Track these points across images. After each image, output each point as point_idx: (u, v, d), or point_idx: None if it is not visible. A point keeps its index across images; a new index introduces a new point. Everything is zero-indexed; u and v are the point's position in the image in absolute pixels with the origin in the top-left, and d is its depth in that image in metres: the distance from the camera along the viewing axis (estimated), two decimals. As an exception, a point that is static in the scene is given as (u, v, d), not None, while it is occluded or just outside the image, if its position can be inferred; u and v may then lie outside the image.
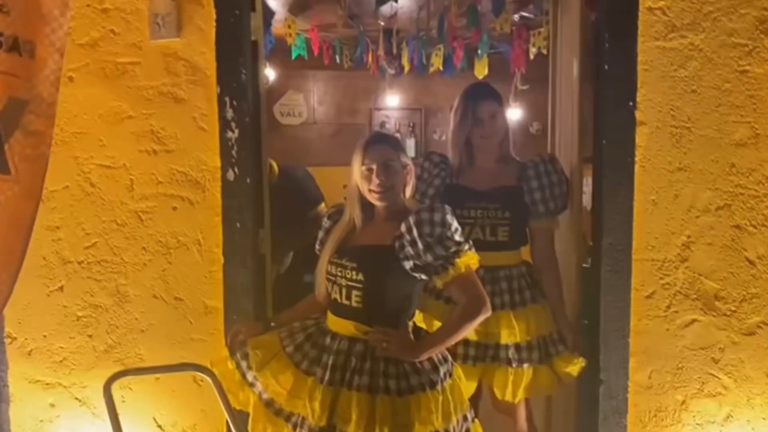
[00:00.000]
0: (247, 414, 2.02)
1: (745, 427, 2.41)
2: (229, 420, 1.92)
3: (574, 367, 2.29)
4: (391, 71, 4.51)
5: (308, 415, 1.92)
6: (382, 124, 5.59)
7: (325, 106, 5.69)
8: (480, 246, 2.13)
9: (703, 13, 2.27)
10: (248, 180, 2.38)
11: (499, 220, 2.31)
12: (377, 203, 2.00)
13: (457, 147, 2.38)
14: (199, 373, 2.18)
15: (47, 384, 2.47)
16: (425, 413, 1.86)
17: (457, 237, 1.91)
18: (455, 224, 1.92)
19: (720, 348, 2.40)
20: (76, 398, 2.47)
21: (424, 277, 1.96)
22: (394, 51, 4.25)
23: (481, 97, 2.33)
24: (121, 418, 2.44)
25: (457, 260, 1.90)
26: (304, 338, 2.04)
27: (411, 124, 5.50)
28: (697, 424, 2.42)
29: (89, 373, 2.45)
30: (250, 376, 2.02)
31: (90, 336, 2.45)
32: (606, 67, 2.29)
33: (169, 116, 2.37)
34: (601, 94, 2.33)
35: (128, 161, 2.39)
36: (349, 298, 1.95)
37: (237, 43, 2.33)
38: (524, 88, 4.47)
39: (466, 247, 1.93)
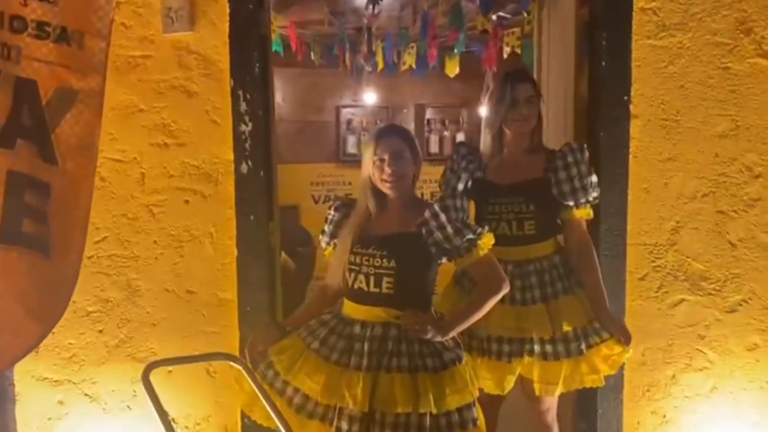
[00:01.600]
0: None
1: (728, 398, 2.60)
2: (269, 408, 1.95)
3: (620, 354, 2.25)
4: (369, 68, 4.59)
5: (348, 404, 1.95)
6: (349, 122, 5.65)
7: (290, 104, 5.70)
8: (508, 241, 2.22)
9: (689, 13, 2.45)
10: (261, 173, 2.41)
11: (525, 214, 2.29)
12: (389, 192, 2.08)
13: (490, 131, 2.37)
14: (227, 362, 2.22)
15: (55, 381, 2.45)
16: (461, 384, 1.98)
17: (469, 220, 2.04)
18: (468, 209, 2.05)
19: (706, 325, 2.58)
20: (86, 394, 2.45)
21: (442, 260, 2.06)
22: (373, 48, 4.33)
23: (519, 80, 2.32)
24: (132, 413, 2.47)
25: (480, 242, 2.02)
26: (327, 332, 2.08)
27: (378, 122, 5.59)
28: (686, 396, 2.59)
29: (100, 368, 2.44)
30: (279, 383, 2.04)
31: (100, 331, 2.43)
32: (603, 63, 2.43)
33: (181, 110, 2.38)
34: (598, 89, 2.48)
35: (139, 155, 2.39)
36: (378, 285, 2.02)
37: (250, 37, 2.37)
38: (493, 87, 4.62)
39: (487, 229, 2.05)
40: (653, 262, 2.54)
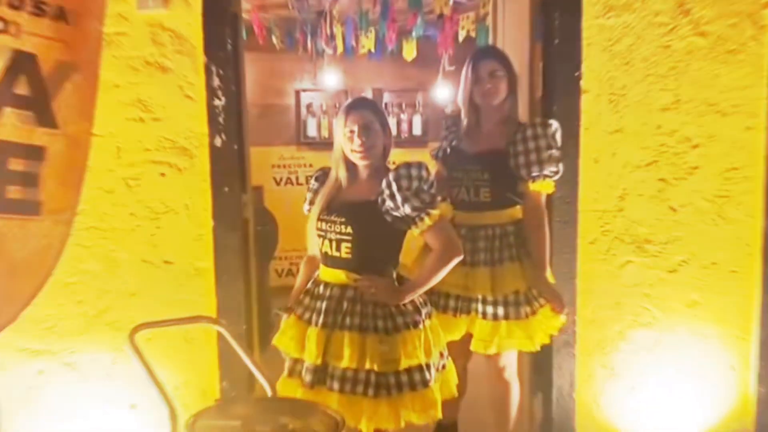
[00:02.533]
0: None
1: (670, 351, 2.81)
2: (251, 366, 2.08)
3: (554, 321, 2.45)
4: (330, 51, 4.69)
5: (308, 358, 2.14)
6: (309, 106, 5.74)
7: (251, 87, 5.74)
8: (465, 206, 2.39)
9: (634, -5, 2.65)
10: (235, 146, 2.51)
11: (481, 182, 2.45)
12: (359, 162, 2.21)
13: (463, 105, 2.54)
14: (204, 327, 2.33)
15: (35, 351, 2.51)
16: (410, 348, 2.12)
17: (432, 190, 2.14)
18: (431, 178, 2.14)
19: (650, 284, 2.79)
20: (66, 363, 2.52)
21: (404, 228, 2.19)
22: (333, 32, 4.43)
23: (483, 57, 2.49)
24: (113, 381, 2.55)
25: (432, 210, 2.12)
26: (305, 295, 2.26)
27: (337, 105, 5.70)
28: (632, 350, 2.80)
29: (79, 338, 2.51)
30: (285, 357, 2.25)
31: (79, 302, 2.50)
32: (556, 42, 2.61)
33: (155, 85, 2.46)
34: (551, 66, 2.65)
35: (115, 129, 2.46)
36: (339, 249, 2.17)
37: (222, 15, 2.46)
38: (452, 68, 4.79)
39: (440, 198, 2.16)
40: (602, 227, 2.74)
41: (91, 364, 2.53)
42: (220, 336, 2.47)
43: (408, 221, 2.15)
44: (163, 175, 2.50)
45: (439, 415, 2.18)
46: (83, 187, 2.38)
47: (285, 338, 2.25)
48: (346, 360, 2.09)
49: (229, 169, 2.51)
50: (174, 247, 2.53)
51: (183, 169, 2.50)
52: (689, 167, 2.75)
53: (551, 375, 2.73)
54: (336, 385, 2.10)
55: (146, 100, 2.46)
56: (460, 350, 2.51)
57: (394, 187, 2.10)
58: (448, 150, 2.59)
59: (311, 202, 2.30)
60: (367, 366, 2.08)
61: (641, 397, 2.80)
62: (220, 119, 2.48)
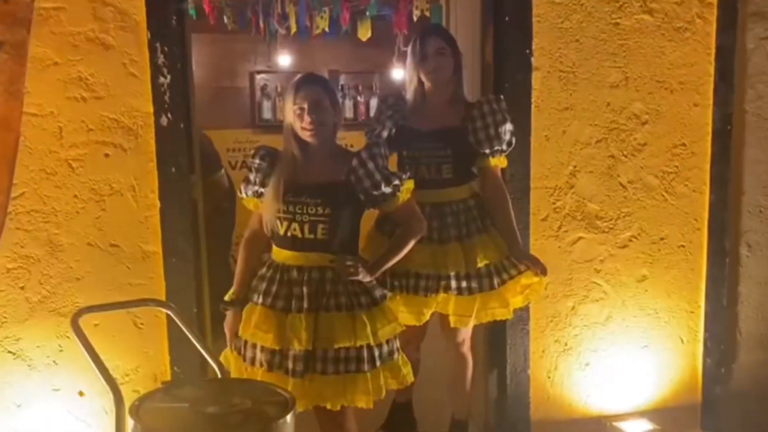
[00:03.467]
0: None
1: (621, 325, 2.88)
2: (200, 348, 2.04)
3: (539, 283, 2.47)
4: (283, 32, 4.61)
5: (294, 346, 2.08)
6: (264, 88, 5.65)
7: (203, 70, 5.63)
8: (426, 184, 2.38)
9: (581, -28, 2.66)
10: (182, 125, 2.45)
11: (443, 159, 2.45)
12: (310, 140, 2.17)
13: (410, 83, 2.54)
14: (154, 311, 2.28)
15: (-24, 340, 2.42)
16: (391, 317, 2.18)
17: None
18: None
19: (600, 260, 2.84)
20: (9, 351, 2.43)
21: (373, 206, 2.19)
22: (286, 11, 4.35)
23: (429, 35, 2.50)
24: (59, 368, 2.48)
25: (403, 188, 2.17)
26: (267, 284, 2.19)
27: (287, 91, 5.63)
28: (584, 325, 2.85)
29: (23, 325, 2.42)
30: (241, 346, 2.20)
31: (22, 288, 2.41)
32: (507, 18, 2.61)
33: (97, 63, 2.37)
34: (502, 43, 2.65)
35: (56, 109, 2.37)
36: (313, 231, 2.13)
37: (166, -10, 2.39)
38: (406, 49, 4.74)
39: (407, 176, 2.21)
40: (553, 204, 2.76)
41: (36, 352, 2.45)
42: (171, 320, 2.41)
43: (383, 199, 2.17)
44: (107, 155, 2.42)
45: (412, 377, 2.26)
46: (19, 170, 2.35)
47: (257, 331, 2.14)
48: (341, 340, 2.07)
49: (176, 149, 2.44)
50: (120, 229, 2.45)
51: (128, 150, 2.43)
52: (638, 144, 2.79)
53: (505, 352, 2.75)
54: (331, 368, 2.08)
55: (88, 78, 2.37)
56: (418, 329, 2.52)
57: (371, 165, 2.12)
58: (393, 130, 2.54)
59: (262, 184, 2.22)
60: (359, 342, 2.08)
61: (594, 371, 2.85)
62: (166, 98, 2.41)
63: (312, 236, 2.13)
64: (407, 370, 2.22)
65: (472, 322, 2.48)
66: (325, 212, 2.11)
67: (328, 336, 2.08)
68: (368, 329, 2.09)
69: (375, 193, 2.14)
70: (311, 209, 2.12)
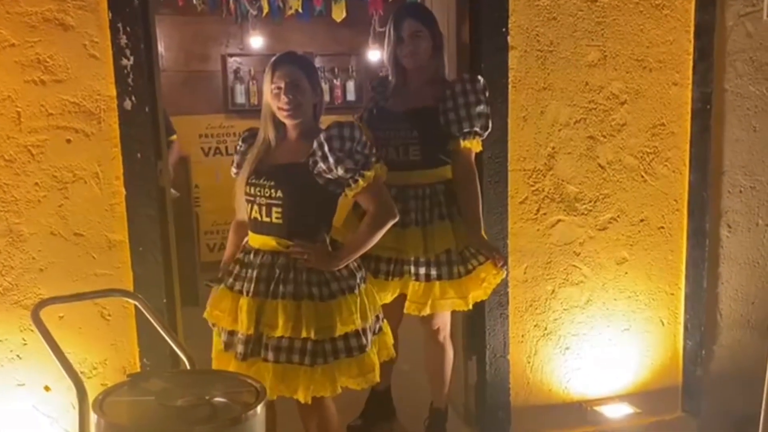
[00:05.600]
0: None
1: (601, 308, 2.85)
2: (169, 339, 1.97)
3: (495, 276, 2.42)
4: (254, 12, 4.50)
5: (239, 328, 2.06)
6: (237, 71, 5.53)
7: (173, 53, 5.50)
8: (394, 166, 2.31)
9: (559, -51, 2.59)
10: (147, 109, 2.36)
11: (410, 140, 2.39)
12: (287, 121, 2.12)
13: (389, 66, 2.48)
14: (121, 303, 2.20)
15: (-64, 335, 2.32)
16: (346, 314, 2.07)
17: (366, 150, 2.07)
18: (364, 138, 2.07)
19: (580, 242, 2.80)
20: (-29, 346, 2.35)
21: (338, 190, 2.11)
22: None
23: (406, 16, 2.42)
24: (24, 362, 2.40)
25: (366, 172, 2.07)
26: (235, 266, 2.17)
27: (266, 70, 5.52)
28: (564, 309, 2.82)
29: (-16, 318, 2.34)
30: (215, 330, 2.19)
31: (-18, 279, 2.33)
32: (483, -4, 2.54)
33: (56, 44, 2.27)
34: (478, 22, 2.58)
35: (13, 92, 2.27)
36: (269, 215, 2.07)
37: (127, -33, 2.28)
38: (382, 30, 4.66)
39: (374, 159, 2.09)
40: (532, 186, 2.72)
41: (-1, 346, 2.37)
42: (139, 311, 2.34)
43: (341, 183, 2.08)
44: (69, 141, 2.32)
45: (377, 378, 2.16)
46: None
47: (216, 311, 2.16)
48: (281, 329, 2.02)
49: (141, 133, 2.35)
50: (84, 218, 2.36)
51: (91, 135, 2.33)
52: (617, 124, 2.75)
53: (484, 337, 2.71)
54: (271, 356, 2.03)
55: (47, 60, 2.27)
56: (392, 314, 2.46)
57: (326, 147, 2.03)
58: (374, 111, 2.52)
59: (239, 165, 2.21)
60: (303, 334, 2.01)
61: (574, 355, 2.83)
62: (129, 80, 2.32)
63: (268, 219, 2.08)
64: (371, 372, 2.13)
65: (427, 310, 2.43)
66: (277, 195, 2.05)
67: (269, 323, 2.03)
68: (313, 322, 2.02)
69: (330, 176, 2.06)
70: (267, 191, 2.07)
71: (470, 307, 2.46)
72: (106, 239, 2.40)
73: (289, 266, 2.06)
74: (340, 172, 2.04)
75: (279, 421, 2.33)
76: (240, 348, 2.06)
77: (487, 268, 2.42)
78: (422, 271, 2.40)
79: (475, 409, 2.84)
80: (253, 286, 2.07)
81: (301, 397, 2.05)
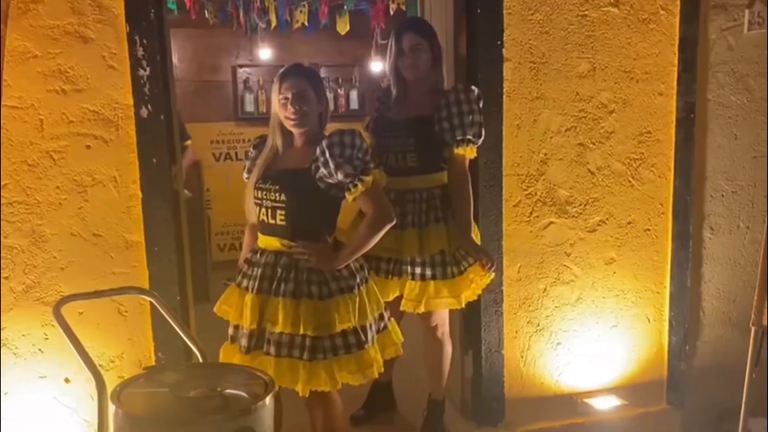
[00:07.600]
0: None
1: (591, 306, 2.98)
2: (182, 334, 2.10)
3: (482, 278, 2.53)
4: (263, 26, 4.65)
5: (243, 323, 2.19)
6: (246, 81, 5.69)
7: (186, 64, 5.67)
8: (393, 171, 2.45)
9: (551, -34, 2.74)
10: (162, 117, 2.50)
11: (407, 148, 2.52)
12: (293, 130, 2.25)
13: (390, 77, 2.62)
14: (137, 300, 2.33)
15: (-39, 329, 2.46)
16: (343, 313, 2.18)
17: (365, 157, 2.18)
18: (364, 145, 2.19)
19: (571, 244, 2.93)
20: (-5, 341, 2.48)
21: (339, 194, 2.24)
22: (266, 5, 4.39)
23: (407, 30, 2.55)
24: (44, 356, 2.53)
25: (365, 177, 2.17)
26: (246, 265, 2.31)
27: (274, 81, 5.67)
28: (556, 307, 2.95)
29: (8, 314, 2.46)
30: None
31: (6, 278, 2.46)
32: (478, 11, 2.68)
33: (77, 56, 2.41)
34: (474, 35, 2.72)
35: (36, 101, 2.41)
36: (274, 217, 2.21)
37: (144, -17, 2.43)
38: (384, 42, 4.82)
39: (373, 165, 2.21)
40: (525, 190, 2.86)
41: (21, 340, 2.50)
42: (154, 308, 2.47)
43: (341, 188, 2.19)
44: (88, 147, 2.47)
45: (376, 375, 2.25)
46: (1, 162, 2.39)
47: (224, 306, 2.31)
48: (281, 325, 2.14)
49: (156, 140, 2.49)
50: (103, 220, 2.50)
51: (109, 141, 2.48)
52: (605, 132, 2.89)
53: (480, 333, 2.84)
54: (272, 350, 2.15)
55: (68, 70, 2.41)
56: (393, 311, 2.59)
57: (327, 154, 2.14)
58: (378, 119, 2.66)
59: (249, 170, 2.35)
60: (302, 331, 2.13)
61: (565, 350, 2.96)
62: (146, 90, 2.46)
63: (273, 221, 2.22)
64: (369, 368, 2.22)
65: (421, 308, 2.55)
66: (281, 198, 2.19)
67: (271, 319, 2.16)
68: (311, 320, 2.13)
69: (330, 181, 2.17)
70: (272, 195, 2.21)
71: (463, 305, 2.58)
72: (123, 240, 2.53)
73: (291, 266, 2.19)
74: (340, 176, 2.15)
75: (285, 414, 2.45)
76: (244, 341, 2.19)
77: (475, 270, 2.54)
78: (418, 270, 2.52)
79: (471, 401, 2.97)
80: (257, 283, 2.20)
81: (301, 390, 2.16)
